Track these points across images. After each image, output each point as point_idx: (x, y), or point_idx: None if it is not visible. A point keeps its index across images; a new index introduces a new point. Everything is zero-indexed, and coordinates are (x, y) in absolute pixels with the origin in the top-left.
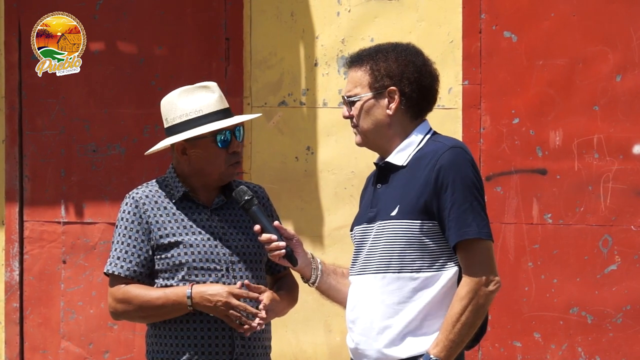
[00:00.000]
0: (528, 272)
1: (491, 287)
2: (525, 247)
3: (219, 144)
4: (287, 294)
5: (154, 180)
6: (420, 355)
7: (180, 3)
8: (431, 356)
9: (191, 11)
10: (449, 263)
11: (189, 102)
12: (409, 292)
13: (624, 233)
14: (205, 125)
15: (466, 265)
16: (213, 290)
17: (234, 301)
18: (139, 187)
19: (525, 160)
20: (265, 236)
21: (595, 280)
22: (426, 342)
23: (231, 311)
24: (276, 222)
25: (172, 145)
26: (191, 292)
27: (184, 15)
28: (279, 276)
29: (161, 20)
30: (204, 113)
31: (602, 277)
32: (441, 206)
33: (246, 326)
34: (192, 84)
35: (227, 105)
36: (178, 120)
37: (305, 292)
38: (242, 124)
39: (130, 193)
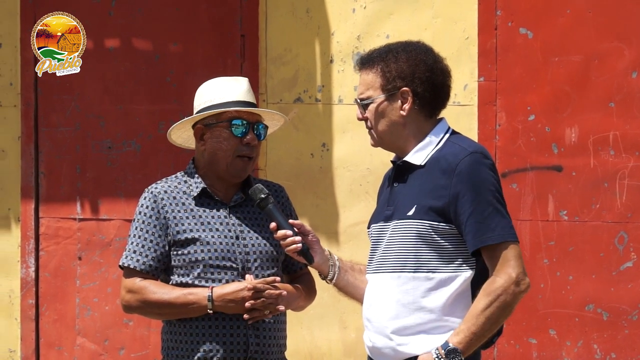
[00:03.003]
0: (543, 269)
1: (522, 287)
2: (541, 244)
3: (234, 132)
4: (303, 287)
5: (174, 176)
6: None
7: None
8: (450, 345)
9: (206, 7)
10: (464, 265)
11: (216, 90)
12: (424, 292)
13: None
14: (222, 109)
15: (497, 266)
16: (232, 289)
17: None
18: (158, 182)
19: (540, 157)
20: (280, 232)
21: (610, 277)
22: (440, 340)
23: (259, 300)
24: (292, 220)
25: (195, 129)
26: (212, 296)
27: (199, 11)
28: (297, 275)
29: (176, 17)
30: (227, 100)
31: (618, 274)
32: (459, 211)
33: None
34: (207, 80)
35: (254, 101)
36: (203, 106)
37: (321, 288)
38: (266, 123)
39: (149, 187)
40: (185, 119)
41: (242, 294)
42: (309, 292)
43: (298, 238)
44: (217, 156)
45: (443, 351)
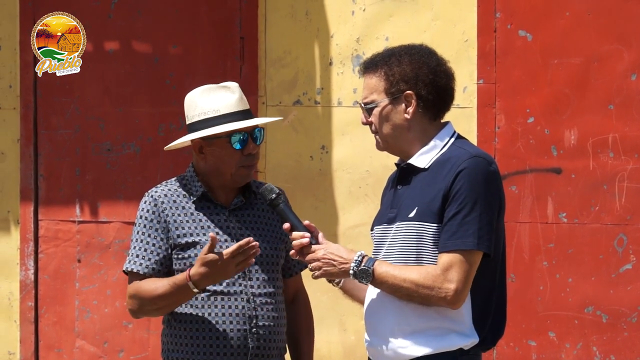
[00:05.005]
0: (543, 271)
1: (447, 299)
2: (540, 246)
3: (234, 145)
4: (307, 339)
5: (174, 179)
6: (433, 355)
7: (195, 2)
8: (372, 268)
9: (206, 10)
10: None
11: (208, 101)
12: None
13: (639, 232)
14: (219, 126)
15: (453, 266)
16: (206, 258)
17: (229, 249)
18: (159, 185)
19: (540, 159)
20: (297, 234)
21: (610, 279)
22: (439, 342)
23: (234, 258)
24: (307, 222)
25: (192, 142)
26: (189, 273)
27: (199, 14)
28: (292, 282)
29: (176, 19)
30: (221, 113)
31: (617, 276)
32: (447, 208)
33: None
34: (210, 83)
35: (247, 107)
36: (197, 119)
37: (320, 291)
38: (261, 125)
39: (149, 191)
40: (184, 138)
41: (215, 260)
42: (311, 335)
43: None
44: (220, 169)
45: (363, 266)
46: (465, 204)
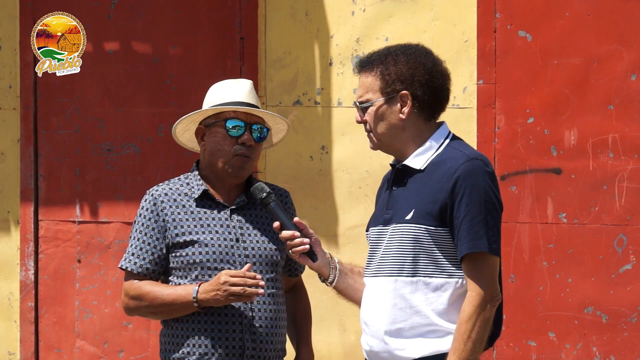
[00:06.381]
0: (543, 272)
1: (495, 302)
2: (540, 247)
3: (229, 131)
4: (305, 322)
5: (177, 178)
6: (432, 356)
7: (195, 2)
8: None
9: (206, 10)
10: (461, 270)
11: (218, 92)
12: (421, 296)
13: (639, 232)
14: (215, 106)
15: (472, 278)
16: (213, 280)
17: (231, 278)
18: (160, 184)
19: (540, 159)
20: (287, 233)
21: (610, 279)
22: (437, 344)
23: (232, 288)
24: (296, 219)
25: (196, 130)
26: (197, 290)
27: (199, 14)
28: (292, 282)
29: (176, 20)
30: (226, 101)
31: (617, 276)
32: (454, 215)
33: (249, 290)
34: (210, 84)
35: (255, 102)
36: (206, 107)
37: (320, 291)
38: (266, 124)
39: (150, 190)
40: (184, 117)
41: (220, 282)
42: (309, 314)
43: (306, 240)
44: (215, 156)
45: None
46: (470, 209)
